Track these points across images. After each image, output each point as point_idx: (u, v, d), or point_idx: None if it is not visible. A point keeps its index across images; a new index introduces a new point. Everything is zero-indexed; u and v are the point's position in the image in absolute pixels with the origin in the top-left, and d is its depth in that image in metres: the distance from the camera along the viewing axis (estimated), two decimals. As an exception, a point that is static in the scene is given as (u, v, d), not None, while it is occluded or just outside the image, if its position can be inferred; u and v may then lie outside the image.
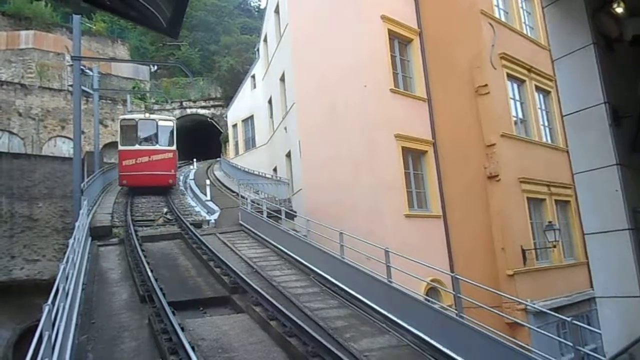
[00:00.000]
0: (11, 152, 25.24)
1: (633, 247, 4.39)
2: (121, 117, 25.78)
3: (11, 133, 29.20)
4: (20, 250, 18.62)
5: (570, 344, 6.88)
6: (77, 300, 8.79)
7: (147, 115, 24.29)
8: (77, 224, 11.38)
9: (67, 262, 7.75)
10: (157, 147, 22.70)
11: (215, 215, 18.59)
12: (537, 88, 17.04)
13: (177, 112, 38.38)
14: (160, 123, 23.35)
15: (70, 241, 9.25)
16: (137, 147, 22.31)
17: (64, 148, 29.93)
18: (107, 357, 7.23)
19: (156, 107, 37.93)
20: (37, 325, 5.00)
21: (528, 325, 10.57)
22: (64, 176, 19.92)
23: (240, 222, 17.12)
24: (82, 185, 15.73)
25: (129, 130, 22.94)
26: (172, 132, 23.41)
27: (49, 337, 5.00)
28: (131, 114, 29.78)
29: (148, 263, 11.56)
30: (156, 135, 22.99)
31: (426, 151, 15.89)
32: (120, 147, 22.71)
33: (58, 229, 19.45)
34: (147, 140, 22.91)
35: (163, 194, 22.51)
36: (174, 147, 23.16)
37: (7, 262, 18.23)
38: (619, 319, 4.50)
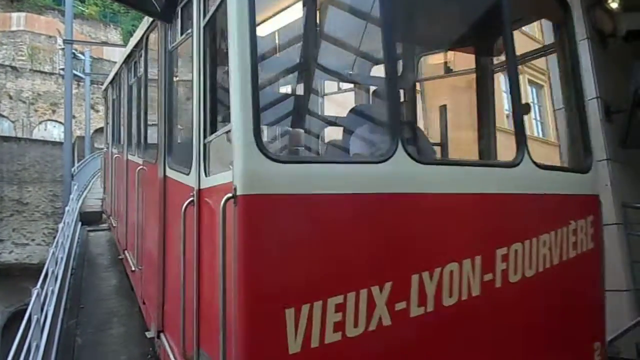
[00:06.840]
0: (1, 135, 24.94)
1: (621, 241, 4.44)
2: None
3: (1, 116, 28.92)
4: (10, 233, 18.51)
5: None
6: (66, 285, 8.78)
7: None
8: (67, 208, 11.34)
9: (56, 246, 7.73)
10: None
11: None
12: (530, 82, 17.04)
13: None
14: None
15: (60, 225, 9.21)
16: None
17: (55, 132, 29.65)
18: (95, 342, 7.22)
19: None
20: (26, 309, 5.00)
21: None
22: (54, 160, 19.72)
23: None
24: (72, 169, 15.62)
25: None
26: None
27: (38, 320, 5.00)
28: None
29: (138, 249, 11.48)
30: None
31: (419, 143, 15.88)
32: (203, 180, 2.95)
33: (48, 213, 19.32)
34: None
35: None
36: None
37: (-4, 245, 18.17)
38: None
